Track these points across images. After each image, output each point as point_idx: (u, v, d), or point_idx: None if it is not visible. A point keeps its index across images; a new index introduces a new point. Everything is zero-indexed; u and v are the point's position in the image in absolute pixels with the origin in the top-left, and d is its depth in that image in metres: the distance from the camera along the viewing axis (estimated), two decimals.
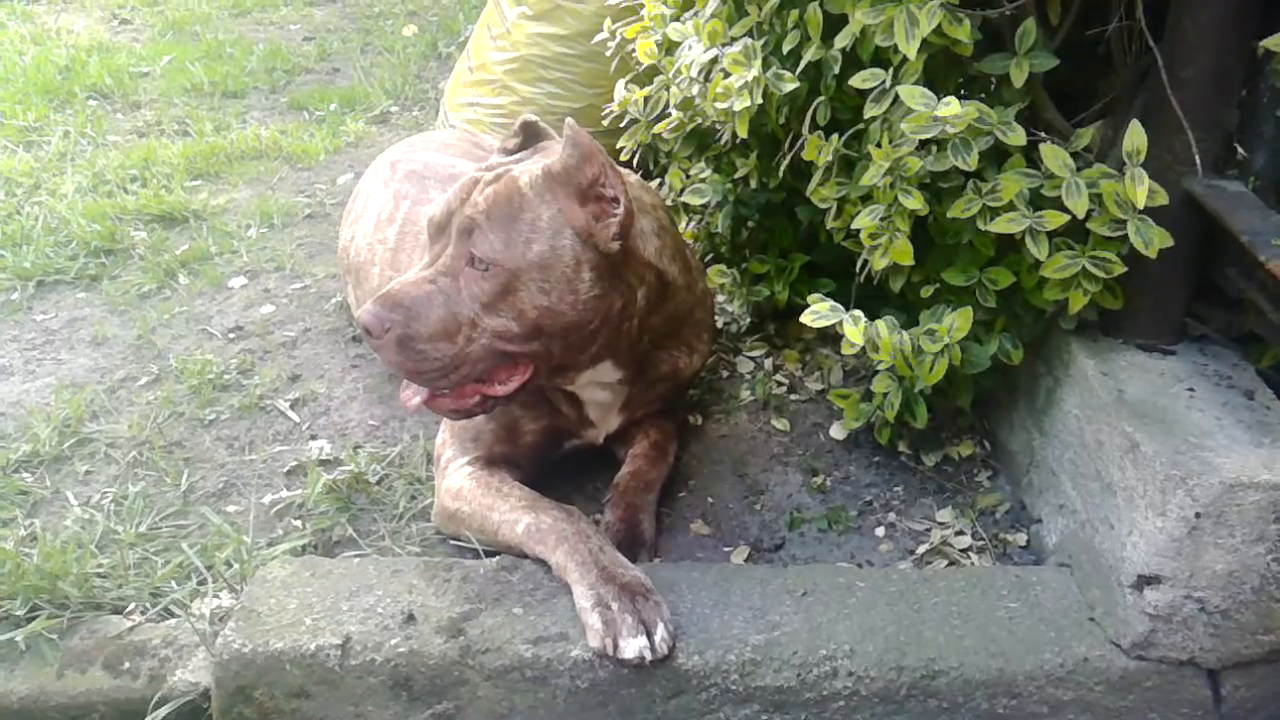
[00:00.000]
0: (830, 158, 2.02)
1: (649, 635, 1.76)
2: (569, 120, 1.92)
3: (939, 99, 1.78)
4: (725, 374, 2.72)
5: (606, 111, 2.72)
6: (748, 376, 2.70)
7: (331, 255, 3.31)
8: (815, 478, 2.36)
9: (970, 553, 2.16)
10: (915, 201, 1.85)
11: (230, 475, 2.39)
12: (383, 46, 5.57)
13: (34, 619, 1.93)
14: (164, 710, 1.83)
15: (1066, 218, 1.80)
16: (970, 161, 1.79)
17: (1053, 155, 1.80)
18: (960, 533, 2.21)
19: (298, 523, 2.23)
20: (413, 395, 2.01)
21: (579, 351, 2.04)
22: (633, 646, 1.75)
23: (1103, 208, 1.79)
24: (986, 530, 2.21)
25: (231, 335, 2.94)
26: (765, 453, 2.45)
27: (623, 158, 2.72)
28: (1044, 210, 1.82)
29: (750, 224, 2.62)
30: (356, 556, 2.08)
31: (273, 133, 4.31)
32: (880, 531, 2.23)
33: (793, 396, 2.63)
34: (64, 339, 2.95)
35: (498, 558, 1.99)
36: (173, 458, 2.44)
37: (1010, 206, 1.83)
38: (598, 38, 2.75)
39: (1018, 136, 1.82)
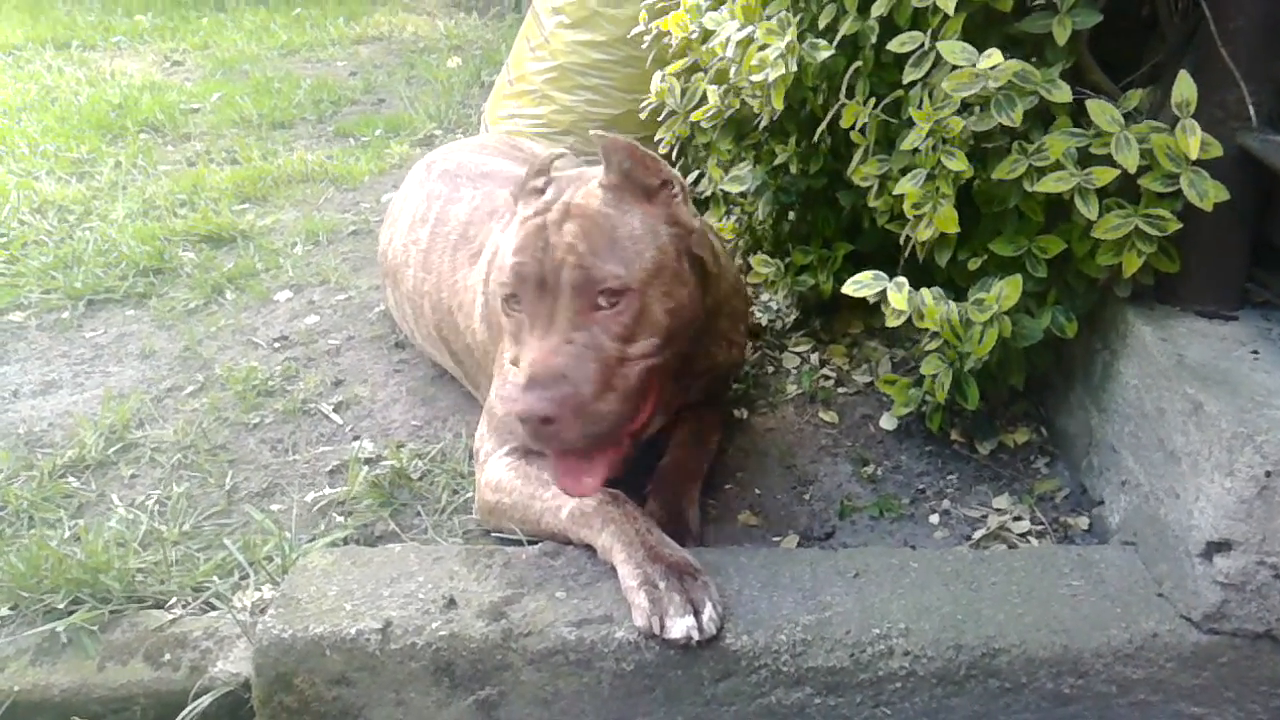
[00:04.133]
0: (867, 121, 1.98)
1: (696, 615, 1.71)
2: (595, 132, 1.93)
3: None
4: (770, 369, 2.67)
5: (644, 104, 2.70)
6: (793, 371, 2.64)
7: (374, 268, 3.31)
8: (865, 467, 2.30)
9: (1030, 537, 2.09)
10: (959, 163, 1.80)
11: (274, 475, 2.38)
12: (427, 78, 5.64)
13: (74, 612, 1.92)
14: (205, 700, 1.80)
15: (1116, 173, 1.74)
16: (1015, 117, 1.74)
17: (1100, 111, 1.75)
18: (1019, 518, 2.13)
19: (340, 518, 2.21)
20: (582, 477, 1.86)
21: (692, 346, 2.04)
22: (680, 626, 1.69)
23: (1155, 162, 1.73)
24: (1046, 515, 2.14)
25: (276, 345, 2.95)
26: (813, 444, 2.39)
27: (660, 150, 2.70)
28: (1093, 168, 1.76)
29: (792, 214, 2.58)
30: (397, 545, 2.05)
31: (319, 157, 4.36)
32: (934, 519, 2.16)
33: (840, 389, 2.57)
34: (112, 353, 2.97)
35: (540, 544, 1.95)
36: (217, 460, 2.43)
37: (1057, 166, 1.77)
38: (634, 31, 2.74)
39: (1063, 94, 1.77)
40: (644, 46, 2.69)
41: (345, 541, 2.11)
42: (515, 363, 1.91)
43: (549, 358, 1.80)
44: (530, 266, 1.86)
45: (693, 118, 2.50)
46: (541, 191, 1.99)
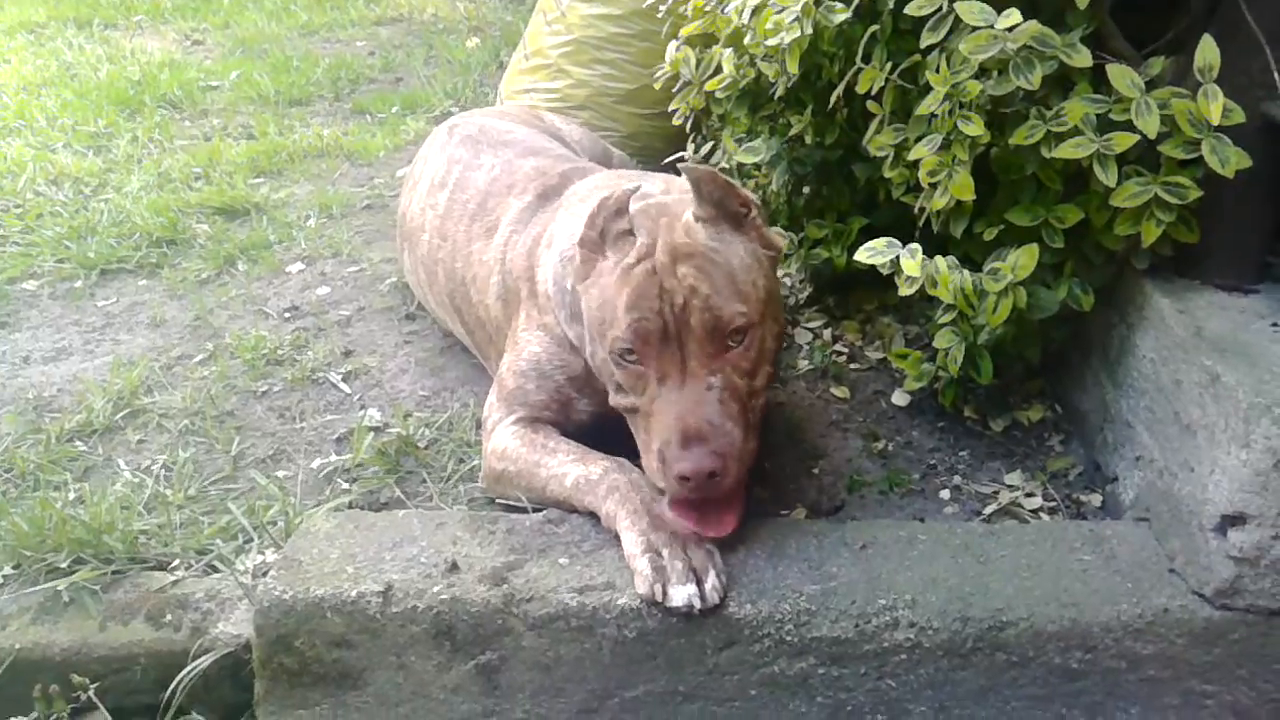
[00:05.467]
0: (883, 88, 1.95)
1: (699, 583, 1.69)
2: (683, 165, 1.89)
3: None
4: (782, 345, 2.64)
5: (658, 74, 2.68)
6: (805, 347, 2.61)
7: (388, 241, 3.31)
8: (876, 443, 2.27)
9: (1041, 514, 2.06)
10: (975, 128, 1.77)
11: (280, 442, 2.37)
12: (446, 57, 5.61)
13: (76, 571, 1.91)
14: (205, 661, 1.80)
15: (1136, 139, 1.70)
16: (1034, 80, 1.71)
17: (1121, 75, 1.71)
18: (1030, 495, 2.10)
19: (346, 485, 2.20)
20: (724, 516, 1.78)
21: None
22: (681, 594, 1.68)
23: (1175, 129, 1.69)
24: (1059, 492, 2.11)
25: (287, 315, 2.94)
26: (823, 419, 2.37)
27: (675, 122, 2.67)
28: (1112, 134, 1.73)
29: (807, 187, 2.55)
30: (401, 511, 2.03)
31: (335, 133, 4.35)
32: (945, 495, 2.13)
33: (852, 365, 2.55)
34: (123, 322, 2.97)
35: (544, 511, 1.94)
36: (224, 426, 2.43)
37: (1076, 132, 1.74)
38: (649, 1, 2.72)
39: (1083, 58, 1.74)
40: (660, 16, 2.66)
41: (350, 507, 2.10)
42: (632, 410, 1.86)
43: (697, 409, 1.75)
44: (652, 319, 1.79)
45: (707, 87, 2.47)
46: (629, 233, 1.90)
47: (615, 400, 1.91)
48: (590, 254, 1.93)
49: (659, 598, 1.68)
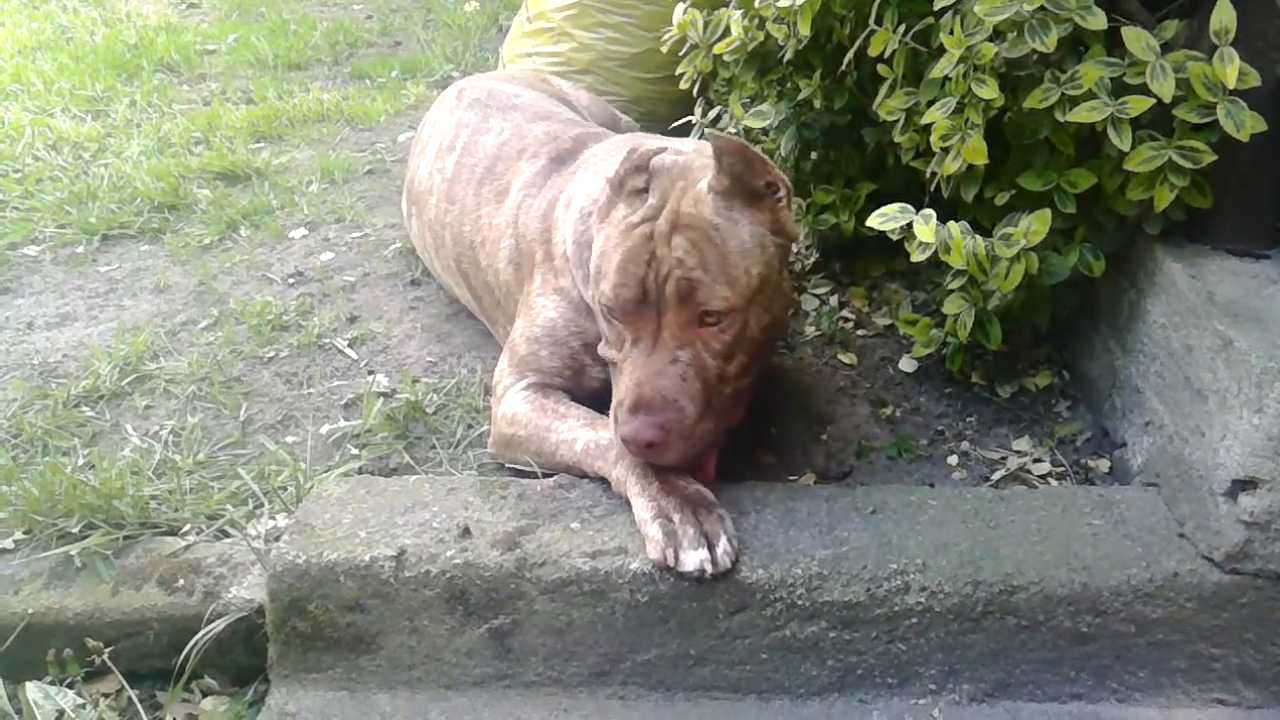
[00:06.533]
0: (895, 50, 1.93)
1: (710, 548, 1.69)
2: (710, 132, 1.86)
3: None
4: (789, 312, 2.64)
5: (665, 37, 2.66)
6: (812, 313, 2.61)
7: (391, 207, 3.30)
8: (884, 409, 2.27)
9: (1049, 479, 2.06)
10: (990, 90, 1.76)
11: (288, 408, 2.37)
12: (444, 21, 5.58)
13: (88, 536, 1.92)
14: (219, 625, 1.80)
15: (1151, 102, 1.69)
16: (1049, 42, 1.70)
17: (1136, 38, 1.70)
18: (1038, 460, 2.11)
19: (355, 450, 2.20)
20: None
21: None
22: (693, 559, 1.68)
23: (1190, 92, 1.68)
24: (1067, 458, 2.11)
25: (291, 280, 2.93)
26: (831, 385, 2.37)
27: (681, 86, 2.66)
28: (1127, 97, 1.72)
29: (815, 152, 2.54)
30: (412, 476, 2.04)
31: (334, 98, 4.33)
32: (953, 460, 2.13)
33: (860, 331, 2.55)
34: (127, 287, 2.96)
35: (555, 477, 1.94)
36: (231, 392, 2.42)
37: (1090, 95, 1.73)
38: None
39: (1098, 20, 1.72)
40: None
41: (360, 473, 2.11)
42: (611, 361, 1.88)
43: (655, 379, 1.76)
44: (632, 285, 1.80)
45: (715, 50, 2.45)
46: (643, 190, 1.87)
47: (602, 350, 1.94)
48: (613, 196, 1.92)
49: (671, 562, 1.69)
